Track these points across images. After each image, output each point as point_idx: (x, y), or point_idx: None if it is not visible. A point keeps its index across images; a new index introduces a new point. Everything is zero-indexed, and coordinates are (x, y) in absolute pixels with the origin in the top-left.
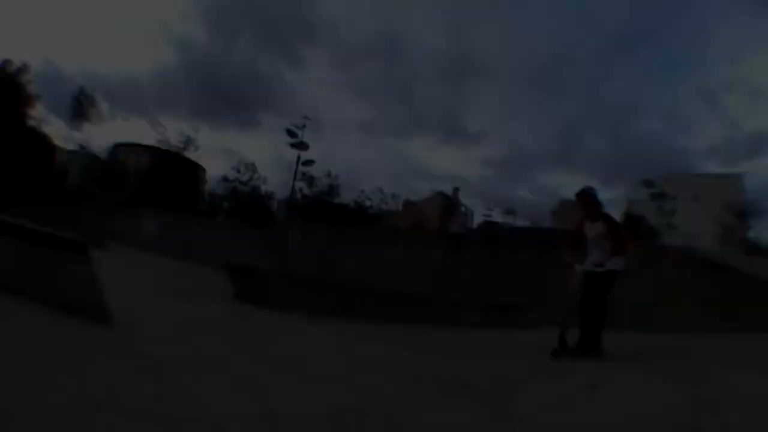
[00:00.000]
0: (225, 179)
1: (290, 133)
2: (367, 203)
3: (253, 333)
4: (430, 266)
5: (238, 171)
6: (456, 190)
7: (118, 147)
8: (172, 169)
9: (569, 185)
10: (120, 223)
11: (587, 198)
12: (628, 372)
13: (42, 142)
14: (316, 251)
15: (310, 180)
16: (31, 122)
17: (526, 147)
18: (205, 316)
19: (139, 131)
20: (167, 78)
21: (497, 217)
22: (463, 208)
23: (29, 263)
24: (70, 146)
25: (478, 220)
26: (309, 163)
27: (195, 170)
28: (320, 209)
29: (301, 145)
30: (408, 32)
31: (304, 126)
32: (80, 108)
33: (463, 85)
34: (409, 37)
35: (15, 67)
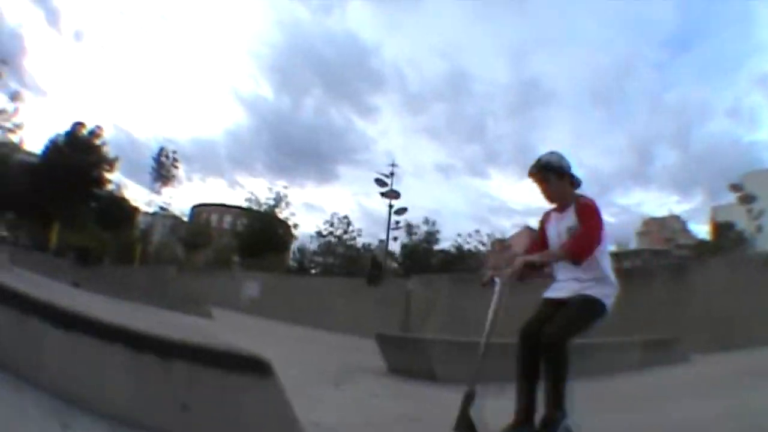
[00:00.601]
0: (319, 234)
1: (379, 182)
2: (466, 246)
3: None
4: None
5: (332, 225)
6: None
7: (198, 207)
8: (259, 228)
9: (648, 203)
10: (209, 284)
11: (548, 173)
12: None
13: (122, 204)
14: (441, 304)
15: (408, 228)
16: (110, 185)
17: (600, 169)
18: (397, 410)
19: (217, 192)
20: (240, 138)
21: None
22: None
23: (196, 395)
24: (152, 209)
25: None
26: (402, 211)
27: (282, 227)
28: (422, 257)
29: (392, 194)
30: (472, 68)
31: (392, 174)
32: (162, 168)
33: (532, 114)
34: (473, 73)
35: (88, 129)
